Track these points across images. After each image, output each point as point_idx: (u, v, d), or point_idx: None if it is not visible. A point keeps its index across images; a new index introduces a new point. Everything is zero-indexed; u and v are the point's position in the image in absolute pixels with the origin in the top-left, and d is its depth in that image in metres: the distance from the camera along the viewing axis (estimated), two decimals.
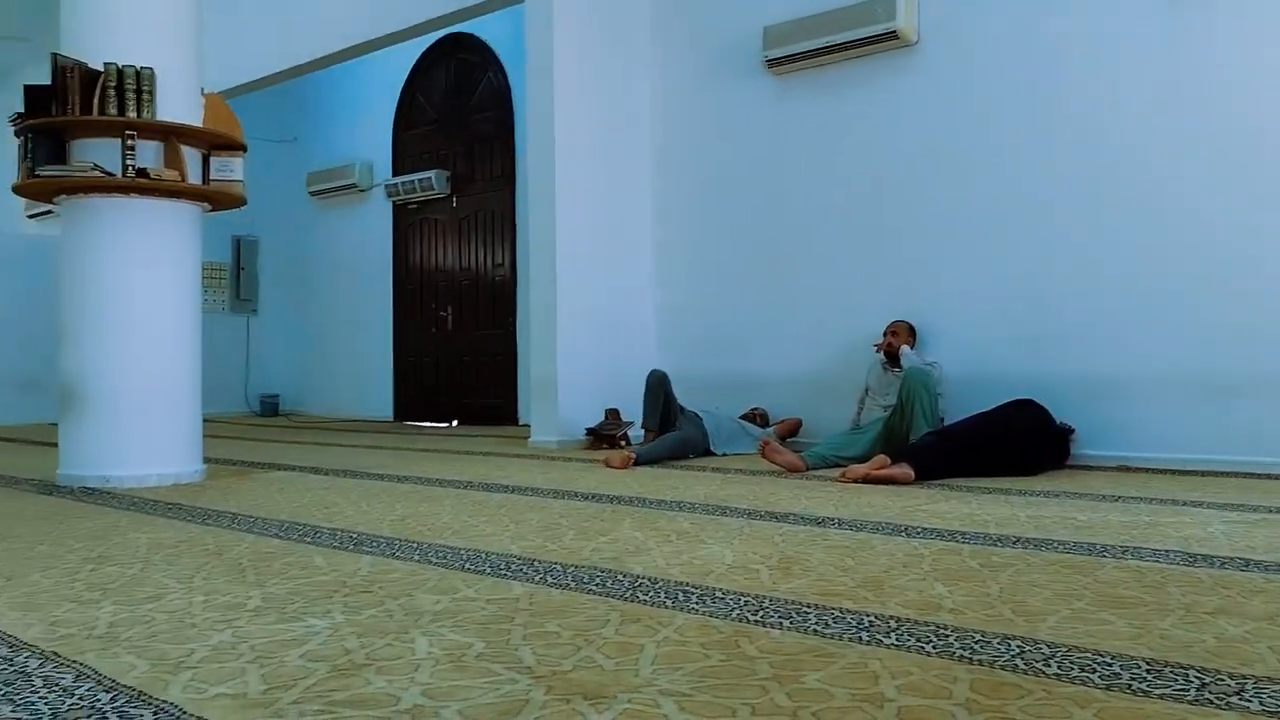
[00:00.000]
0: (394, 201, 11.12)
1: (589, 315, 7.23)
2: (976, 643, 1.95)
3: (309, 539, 3.28)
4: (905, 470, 4.70)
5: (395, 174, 11.10)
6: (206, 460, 5.29)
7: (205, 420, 5.31)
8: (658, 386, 6.30)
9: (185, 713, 1.59)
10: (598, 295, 7.29)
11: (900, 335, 6.07)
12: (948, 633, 2.02)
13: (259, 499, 4.35)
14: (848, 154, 6.68)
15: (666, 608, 2.28)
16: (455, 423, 10.26)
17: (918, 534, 3.27)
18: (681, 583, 2.54)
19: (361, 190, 11.51)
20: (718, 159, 7.35)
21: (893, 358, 6.00)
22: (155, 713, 1.59)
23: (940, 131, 6.25)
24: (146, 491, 4.62)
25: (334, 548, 3.11)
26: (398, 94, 11.20)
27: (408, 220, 11.14)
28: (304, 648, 1.97)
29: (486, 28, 10.02)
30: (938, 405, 5.46)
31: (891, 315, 6.26)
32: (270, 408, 12.07)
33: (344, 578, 2.65)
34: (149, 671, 1.82)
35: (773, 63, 6.91)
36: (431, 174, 10.48)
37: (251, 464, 6.01)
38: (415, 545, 3.13)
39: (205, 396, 5.27)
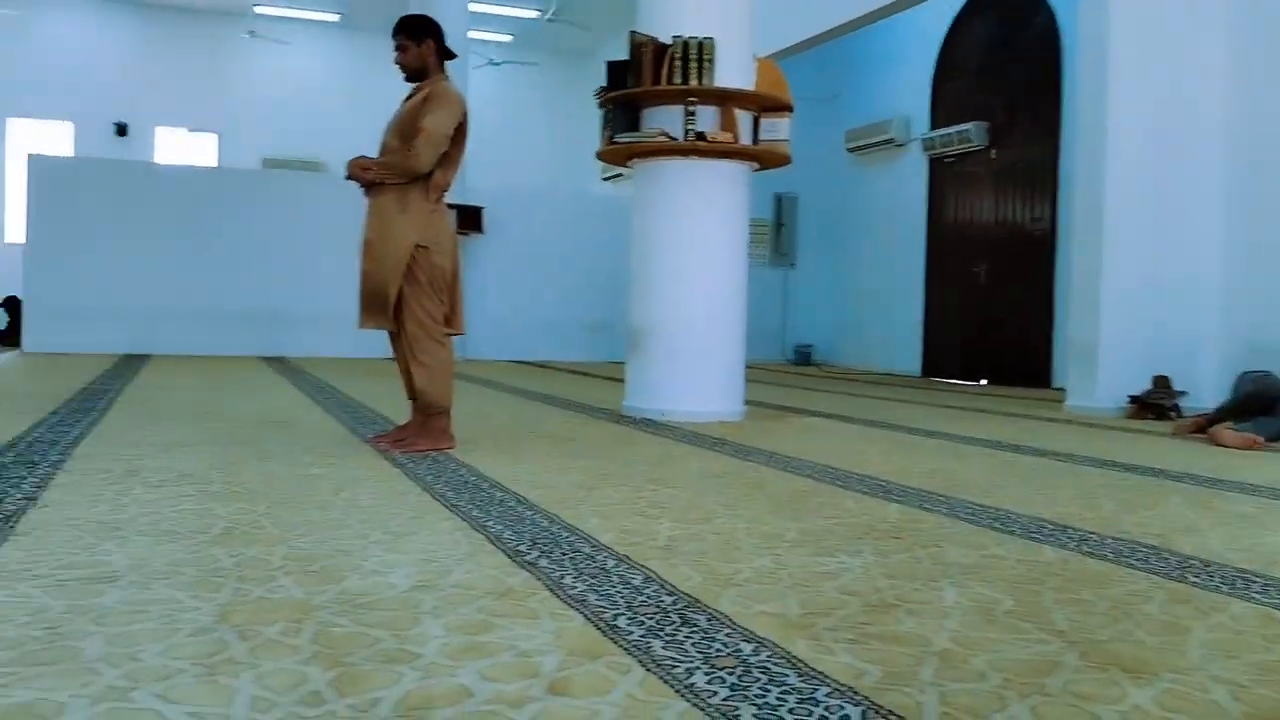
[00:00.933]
0: (930, 155, 11.00)
1: (1138, 276, 6.60)
2: None
3: (839, 482, 3.43)
4: None
5: (933, 128, 10.97)
6: (747, 402, 5.70)
7: (746, 366, 5.71)
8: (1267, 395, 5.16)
9: (734, 623, 1.77)
10: (1148, 255, 6.61)
11: None
12: None
13: (793, 441, 4.61)
14: None
15: (1220, 592, 2.09)
16: (984, 381, 10.00)
17: None
18: (1241, 569, 2.30)
19: (898, 145, 11.53)
20: None
21: None
22: (709, 619, 1.79)
23: None
24: (696, 426, 5.09)
25: (863, 493, 3.22)
26: (937, 47, 11.02)
27: (943, 174, 10.98)
28: (837, 581, 2.09)
29: None
30: None
31: None
32: (804, 357, 12.63)
33: (873, 522, 2.74)
34: (702, 583, 2.04)
35: None
36: (970, 126, 10.20)
37: (786, 408, 6.36)
38: (943, 499, 3.14)
39: (746, 344, 5.66)
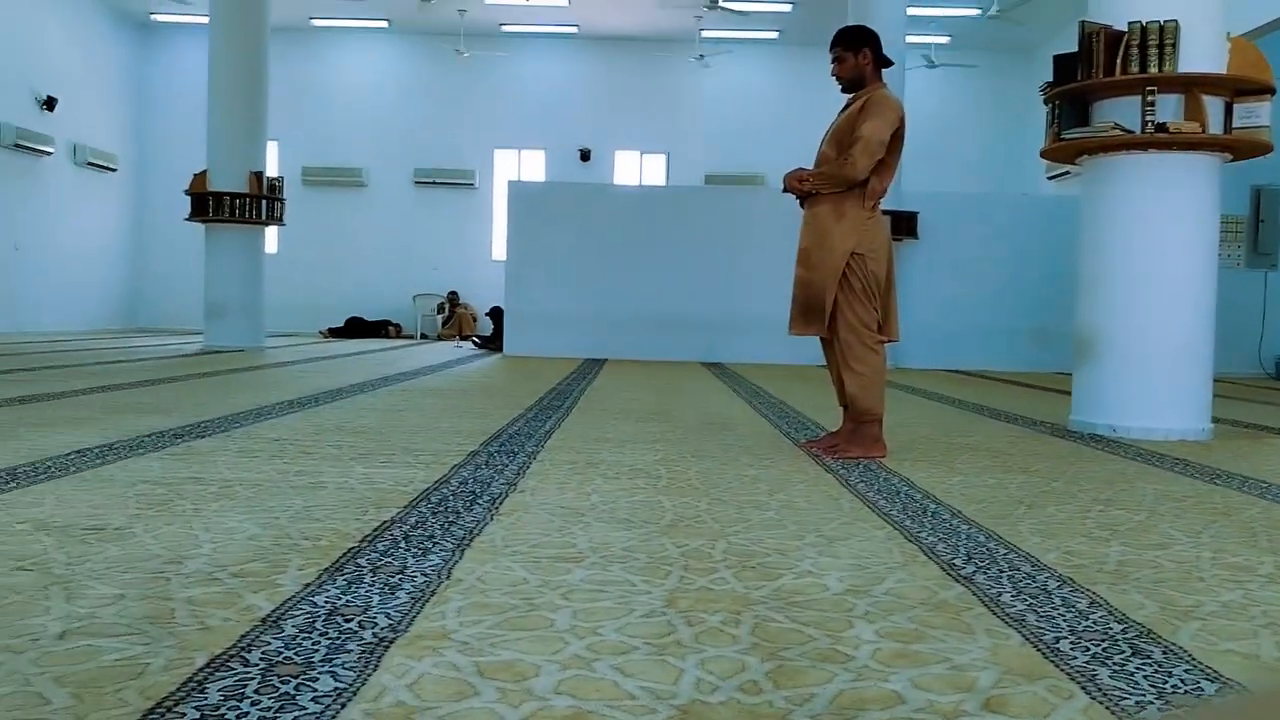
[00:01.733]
0: None
1: None
2: None
3: None
4: None
5: None
6: (1214, 420, 5.13)
7: (1213, 379, 5.14)
8: None
9: (1194, 659, 1.62)
10: None
11: None
12: None
13: (1273, 465, 4.08)
14: None
15: None
16: None
17: None
18: None
19: None
20: None
21: None
22: (1164, 652, 1.66)
23: None
24: (1152, 444, 4.67)
25: None
26: None
27: None
28: None
29: None
30: None
31: None
32: None
33: None
34: (1158, 613, 1.89)
35: None
36: None
37: (1264, 428, 5.64)
38: None
39: (1214, 354, 5.10)
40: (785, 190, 4.12)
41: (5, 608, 1.73)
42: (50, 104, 14.66)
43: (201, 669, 1.47)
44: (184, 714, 1.31)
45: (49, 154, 14.60)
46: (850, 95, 4.09)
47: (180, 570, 2.00)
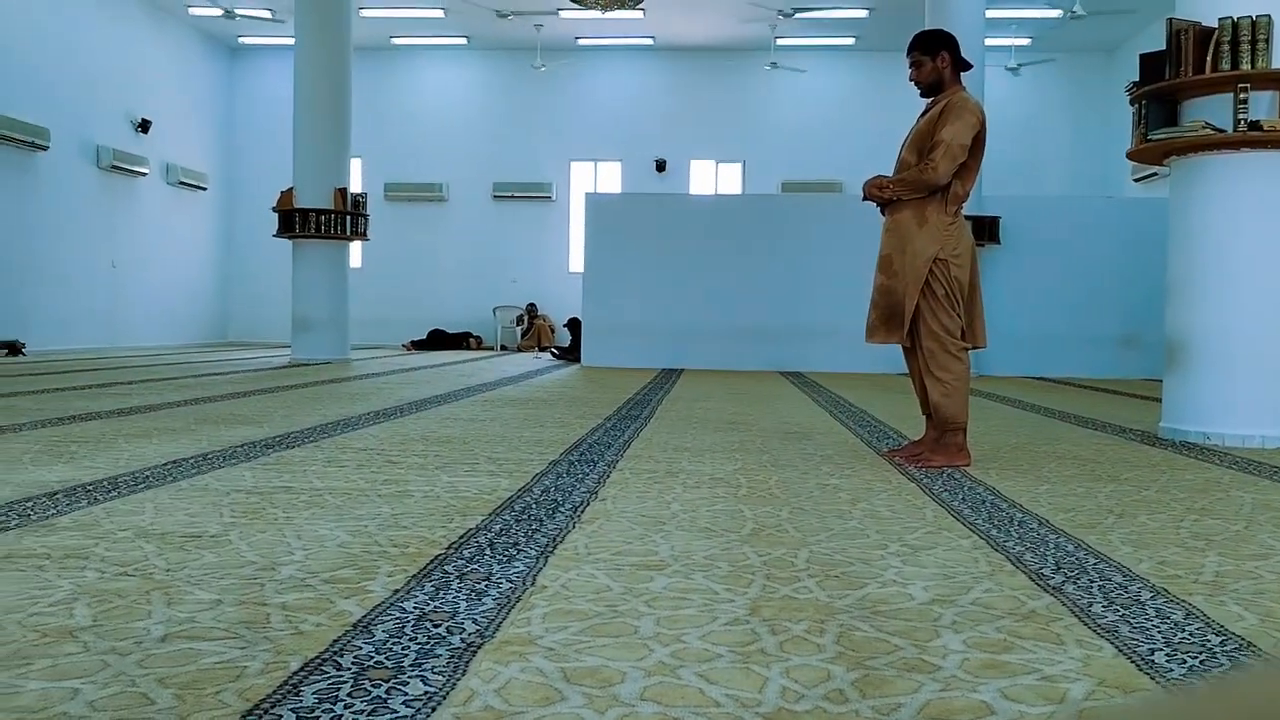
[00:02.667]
0: None
1: None
2: None
3: None
4: None
5: None
6: None
7: None
8: None
9: None
10: None
11: None
12: None
13: None
14: None
15: None
16: None
17: None
18: None
19: None
20: None
21: None
22: (1266, 665, 1.61)
23: None
24: (1250, 452, 4.52)
25: None
26: None
27: None
28: None
29: None
30: None
31: None
32: None
33: None
34: (1258, 625, 1.83)
35: None
36: None
37: None
38: None
39: None
40: (865, 198, 4.09)
41: (110, 611, 1.80)
42: (145, 126, 15.19)
43: (296, 672, 1.51)
44: (280, 716, 1.35)
45: (144, 174, 15.12)
46: (929, 100, 4.05)
47: (274, 576, 2.06)
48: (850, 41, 16.60)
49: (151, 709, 1.36)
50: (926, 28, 4.51)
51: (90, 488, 3.06)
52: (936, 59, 3.99)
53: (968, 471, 3.77)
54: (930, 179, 3.84)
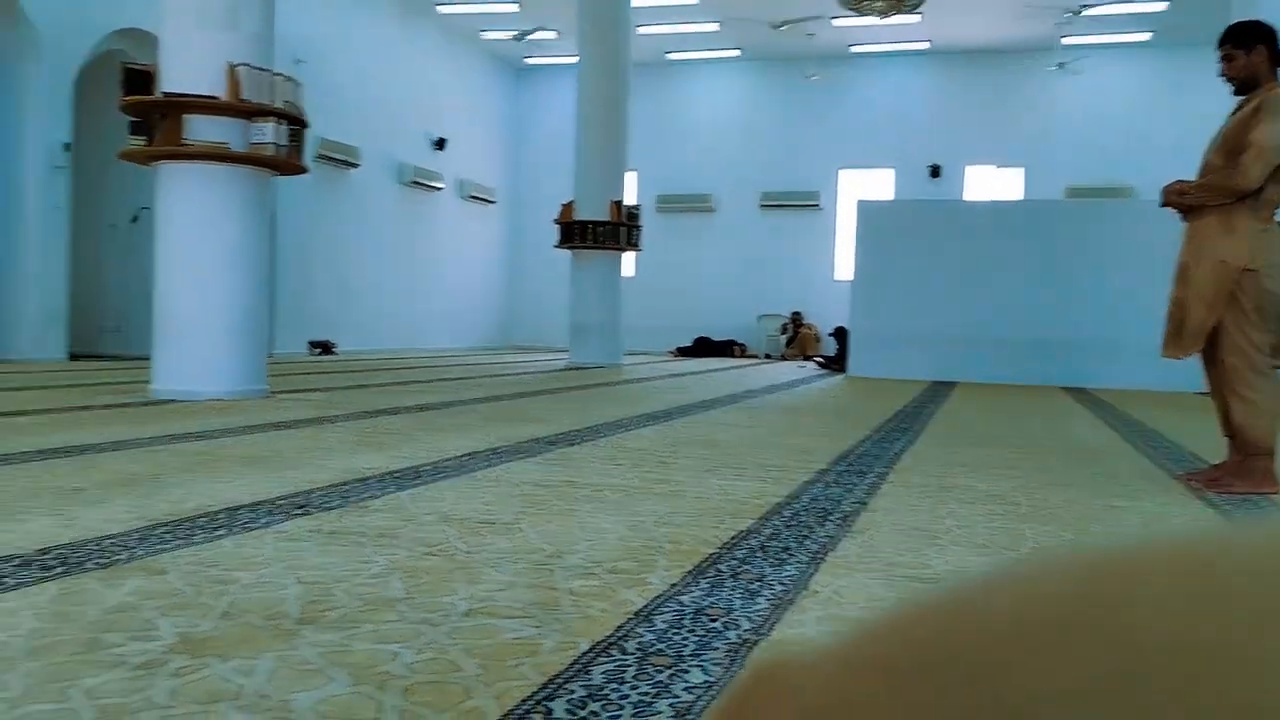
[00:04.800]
0: None
1: None
2: None
3: None
4: None
5: None
6: None
7: None
8: None
9: None
10: None
11: None
12: None
13: None
14: None
15: None
16: None
17: None
18: None
19: None
20: None
21: None
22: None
23: None
24: None
25: None
26: None
27: None
28: None
29: None
30: None
31: None
32: None
33: None
34: None
35: None
36: None
37: None
38: None
39: None
40: (1164, 204, 3.84)
41: (420, 586, 1.99)
42: (441, 144, 16.40)
43: (585, 653, 1.62)
44: (573, 691, 1.45)
45: (439, 189, 16.34)
46: (1241, 97, 3.75)
47: (561, 564, 2.20)
48: (1146, 37, 15.50)
49: (460, 675, 1.51)
50: (1238, 19, 4.14)
51: (397, 475, 3.36)
52: (1251, 53, 3.68)
53: (1275, 500, 3.46)
54: (1239, 184, 3.55)
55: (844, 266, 14.85)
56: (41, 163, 9.81)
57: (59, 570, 2.04)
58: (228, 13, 5.99)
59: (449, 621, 1.76)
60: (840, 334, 13.16)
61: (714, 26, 16.09)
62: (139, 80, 6.14)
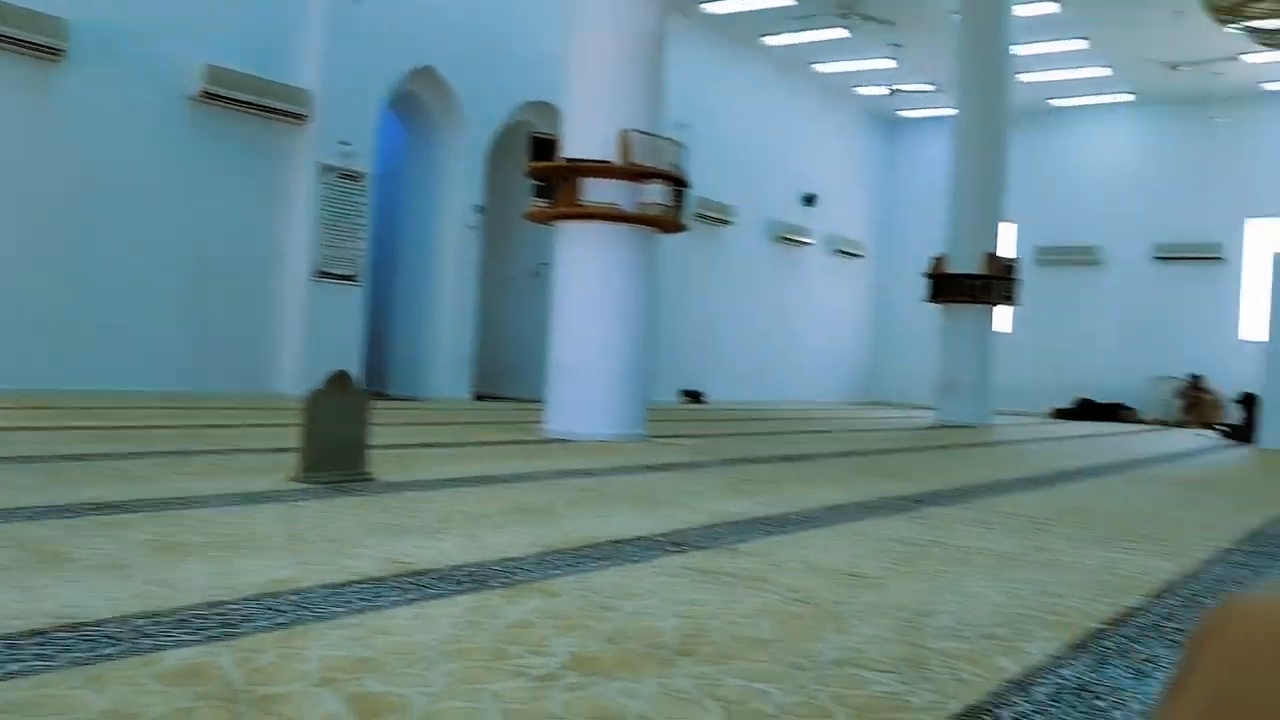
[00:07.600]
0: None
1: None
2: None
3: None
4: None
5: None
6: None
7: None
8: None
9: None
10: None
11: None
12: None
13: None
14: None
15: None
16: None
17: None
18: None
19: None
20: None
21: None
22: None
23: None
24: None
25: None
26: None
27: None
28: None
29: None
30: None
31: None
32: None
33: None
34: None
35: None
36: None
37: None
38: None
39: None
40: None
41: (789, 630, 2.04)
42: (810, 200, 16.64)
43: (957, 715, 1.58)
44: None
45: (809, 244, 16.56)
46: None
47: (929, 623, 2.16)
48: None
49: None
50: None
51: (764, 521, 3.45)
52: None
53: None
54: None
55: (1252, 325, 13.31)
56: (457, 222, 11.08)
57: (469, 585, 2.29)
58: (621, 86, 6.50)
59: (817, 668, 1.79)
60: (1248, 400, 11.78)
61: (1106, 71, 15.18)
62: (544, 148, 6.79)
